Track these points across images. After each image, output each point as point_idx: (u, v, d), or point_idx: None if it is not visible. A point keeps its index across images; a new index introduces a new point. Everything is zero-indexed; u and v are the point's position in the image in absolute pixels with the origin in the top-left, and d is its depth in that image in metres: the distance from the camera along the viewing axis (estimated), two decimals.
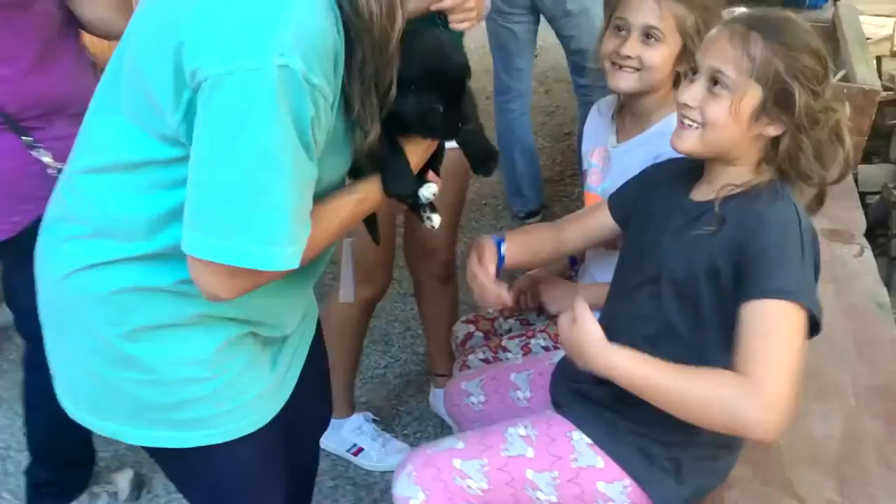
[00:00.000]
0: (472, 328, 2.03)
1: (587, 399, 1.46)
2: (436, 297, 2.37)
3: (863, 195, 3.06)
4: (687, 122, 1.33)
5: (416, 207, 1.37)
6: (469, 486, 1.43)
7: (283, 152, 1.01)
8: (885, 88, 3.12)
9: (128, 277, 1.16)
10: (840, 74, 3.12)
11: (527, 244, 1.66)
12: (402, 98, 1.16)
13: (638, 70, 1.65)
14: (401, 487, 1.45)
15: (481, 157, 1.36)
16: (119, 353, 1.20)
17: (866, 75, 2.91)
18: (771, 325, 1.21)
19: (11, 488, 2.28)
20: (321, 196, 1.16)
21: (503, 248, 1.59)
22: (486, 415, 1.70)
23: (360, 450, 2.37)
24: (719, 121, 1.29)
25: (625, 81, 1.68)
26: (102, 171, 1.16)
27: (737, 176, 1.33)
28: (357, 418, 2.40)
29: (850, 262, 2.24)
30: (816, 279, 1.30)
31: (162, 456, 1.33)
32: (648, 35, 1.63)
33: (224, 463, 1.33)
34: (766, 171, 1.33)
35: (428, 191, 1.31)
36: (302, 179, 1.06)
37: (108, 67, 1.17)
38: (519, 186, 3.47)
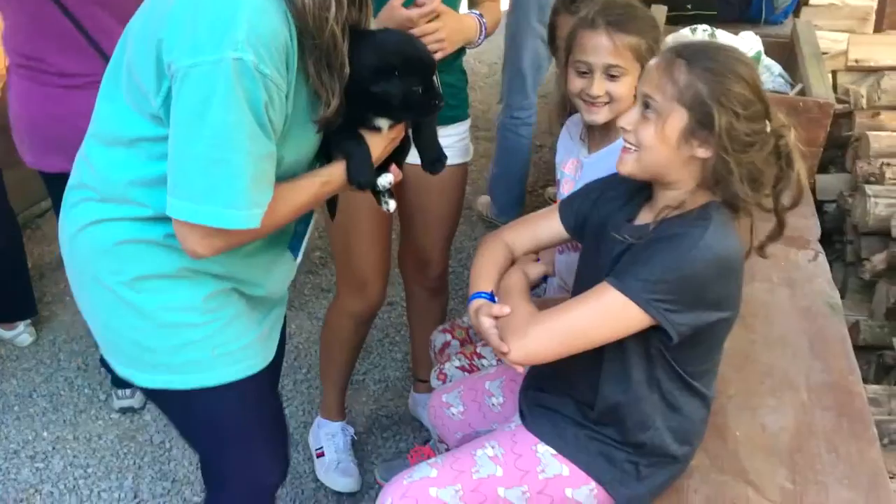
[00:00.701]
0: (448, 337, 2.13)
1: (550, 411, 1.53)
2: (426, 307, 2.43)
3: (820, 203, 3.20)
4: (626, 145, 1.41)
5: (376, 193, 1.59)
6: None
7: (239, 131, 1.21)
8: (840, 101, 3.27)
9: (126, 232, 1.37)
10: (797, 88, 3.26)
11: (497, 270, 1.62)
12: (386, 82, 1.38)
13: (608, 103, 1.75)
14: None
15: (432, 158, 1.57)
16: (122, 300, 1.40)
17: (821, 89, 3.04)
18: (587, 295, 1.36)
19: None
20: (291, 172, 1.38)
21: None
22: (465, 423, 1.79)
23: (322, 455, 2.41)
24: (649, 143, 1.36)
25: (599, 115, 1.77)
26: (107, 146, 1.37)
27: (674, 199, 1.39)
28: (336, 426, 2.44)
29: (805, 266, 2.35)
30: (708, 303, 1.34)
31: (163, 399, 1.52)
32: (611, 73, 1.72)
33: (218, 405, 1.50)
34: (704, 194, 1.38)
35: (385, 179, 1.52)
36: (258, 154, 1.25)
37: (112, 58, 1.37)
38: (515, 197, 3.64)
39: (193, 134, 1.22)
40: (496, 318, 1.44)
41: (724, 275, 1.35)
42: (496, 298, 1.53)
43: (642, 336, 1.36)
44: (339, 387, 2.42)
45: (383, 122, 1.45)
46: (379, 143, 1.46)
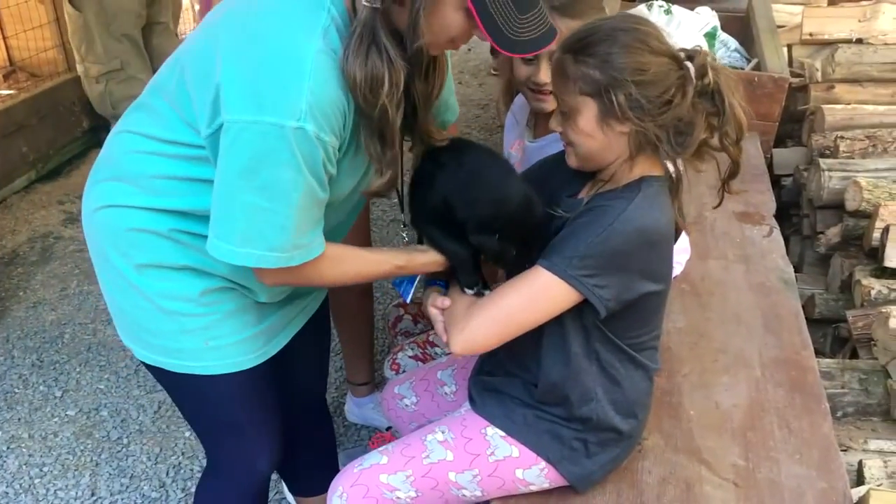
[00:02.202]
0: (401, 311, 2.17)
1: (498, 393, 1.53)
2: (354, 310, 2.41)
3: (778, 177, 3.22)
4: (565, 144, 1.43)
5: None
6: (399, 498, 1.49)
7: (294, 189, 1.24)
8: (796, 75, 3.28)
9: (138, 220, 1.41)
10: (753, 63, 3.28)
11: None
12: (484, 237, 1.40)
13: (553, 91, 1.73)
14: None
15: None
16: (127, 281, 1.45)
17: (776, 63, 3.05)
18: (519, 279, 1.37)
19: None
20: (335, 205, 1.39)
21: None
22: (419, 414, 1.78)
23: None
24: (576, 140, 1.38)
25: (546, 104, 1.76)
26: (143, 136, 1.40)
27: (607, 172, 1.40)
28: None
29: (759, 242, 2.36)
30: (633, 274, 1.35)
31: (159, 375, 1.57)
32: None
33: (208, 393, 1.55)
34: (643, 163, 1.38)
35: (471, 290, 1.48)
36: (309, 204, 1.29)
37: (169, 61, 1.40)
38: None
39: (244, 185, 1.24)
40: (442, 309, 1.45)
41: (646, 246, 1.35)
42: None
43: (577, 310, 1.37)
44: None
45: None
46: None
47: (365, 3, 1.22)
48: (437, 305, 1.46)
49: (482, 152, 1.52)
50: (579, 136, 1.37)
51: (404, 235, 1.63)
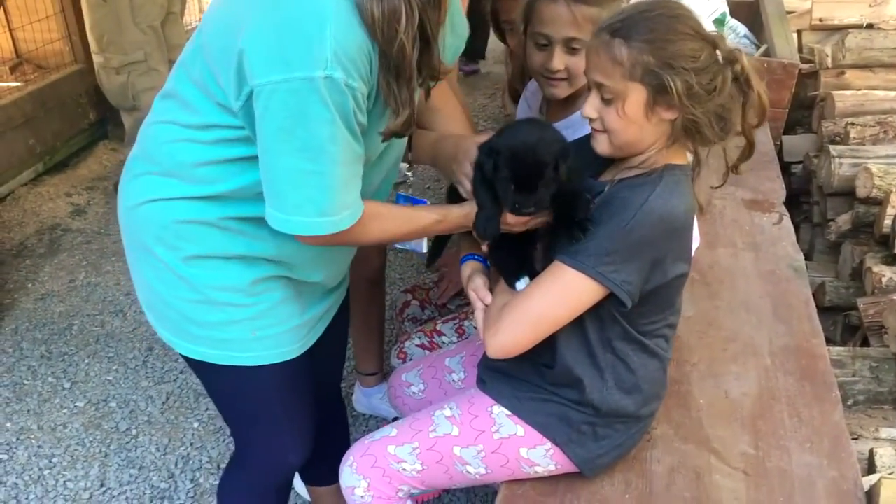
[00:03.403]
0: (409, 297, 2.18)
1: (506, 375, 1.53)
2: (365, 299, 2.39)
3: (788, 164, 3.20)
4: (595, 129, 1.40)
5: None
6: (405, 469, 1.52)
7: (332, 143, 1.24)
8: (805, 61, 3.25)
9: (186, 211, 1.41)
10: (762, 49, 3.25)
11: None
12: (485, 158, 1.39)
13: (566, 79, 1.71)
14: (345, 478, 1.56)
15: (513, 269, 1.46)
16: (175, 274, 1.44)
17: (785, 49, 3.03)
18: (545, 278, 1.37)
19: None
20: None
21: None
22: (426, 401, 1.78)
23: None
24: (616, 126, 1.36)
25: (559, 90, 1.74)
26: (176, 125, 1.39)
27: (639, 159, 1.39)
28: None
29: (769, 229, 2.34)
30: (655, 263, 1.35)
31: (201, 370, 1.57)
32: (571, 46, 1.67)
33: (249, 384, 1.56)
34: (673, 151, 1.39)
35: (521, 284, 1.42)
36: (349, 160, 1.29)
37: (188, 46, 1.39)
38: None
39: (284, 148, 1.24)
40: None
41: (669, 234, 1.36)
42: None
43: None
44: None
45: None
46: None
47: None
48: (480, 298, 1.46)
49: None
50: (621, 122, 1.35)
51: (409, 175, 1.62)
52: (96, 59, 3.51)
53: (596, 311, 1.39)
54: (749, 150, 1.44)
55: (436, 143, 1.63)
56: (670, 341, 1.52)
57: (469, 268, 1.54)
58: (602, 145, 1.41)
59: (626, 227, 1.31)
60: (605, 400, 1.45)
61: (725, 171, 1.47)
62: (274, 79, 1.20)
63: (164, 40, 3.56)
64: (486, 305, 1.46)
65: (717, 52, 1.35)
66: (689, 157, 1.43)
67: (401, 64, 1.27)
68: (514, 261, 1.46)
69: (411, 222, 1.48)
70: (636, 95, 1.33)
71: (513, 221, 1.43)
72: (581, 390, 1.44)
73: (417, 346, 1.94)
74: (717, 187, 1.52)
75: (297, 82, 1.19)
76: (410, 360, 1.93)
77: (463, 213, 1.47)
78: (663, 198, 1.33)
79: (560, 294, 1.36)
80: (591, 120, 1.40)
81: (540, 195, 1.37)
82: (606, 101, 1.36)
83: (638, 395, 1.47)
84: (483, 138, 1.50)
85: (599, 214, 1.35)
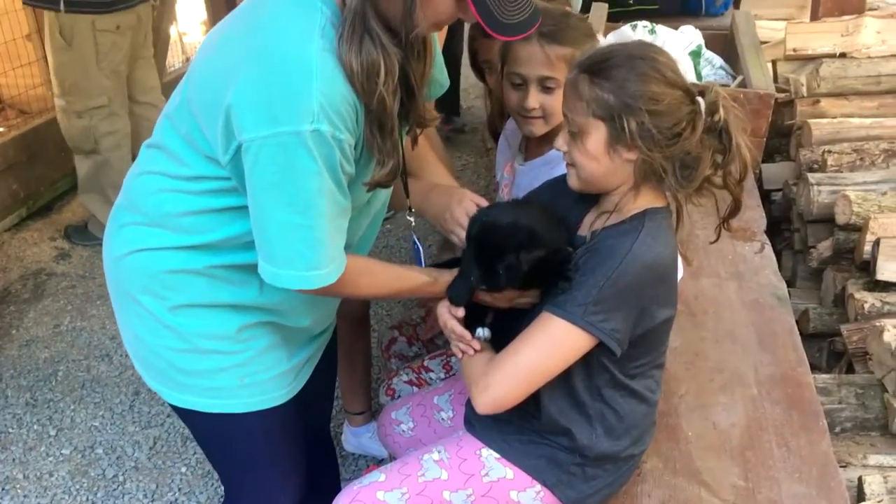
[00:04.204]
0: (396, 333, 2.15)
1: (494, 418, 1.50)
2: (350, 337, 2.36)
3: (767, 192, 3.23)
4: (566, 163, 1.43)
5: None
6: None
7: (320, 196, 1.25)
8: (781, 90, 3.30)
9: (172, 261, 1.41)
10: (738, 80, 3.29)
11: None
12: (468, 226, 1.43)
13: (541, 117, 1.74)
14: None
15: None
16: (161, 323, 1.45)
17: (761, 80, 3.06)
18: (533, 330, 1.36)
19: None
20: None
21: None
22: (416, 440, 1.77)
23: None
24: (581, 161, 1.38)
25: (535, 128, 1.77)
26: (164, 176, 1.40)
27: (611, 202, 1.40)
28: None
29: (751, 258, 2.36)
30: (643, 309, 1.35)
31: (189, 418, 1.57)
32: (545, 85, 1.70)
33: (239, 430, 1.56)
34: (647, 193, 1.39)
35: (482, 333, 1.46)
36: (336, 213, 1.31)
37: (174, 97, 1.41)
38: None
39: (274, 202, 1.26)
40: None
41: (655, 280, 1.36)
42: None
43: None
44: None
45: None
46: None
47: None
48: (468, 346, 1.44)
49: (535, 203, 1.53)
50: (585, 157, 1.37)
51: (411, 220, 1.64)
52: (58, 102, 3.52)
53: (585, 359, 1.38)
54: (735, 207, 1.43)
55: (428, 191, 1.64)
56: (659, 381, 1.52)
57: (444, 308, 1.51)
58: (572, 179, 1.43)
59: (613, 276, 1.31)
60: (595, 446, 1.45)
61: (717, 226, 1.48)
62: (262, 133, 1.21)
63: (125, 86, 3.57)
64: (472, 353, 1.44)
65: (697, 99, 1.35)
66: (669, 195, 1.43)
67: (382, 115, 1.29)
68: (478, 308, 1.47)
69: (402, 281, 1.50)
70: (597, 133, 1.35)
71: (487, 298, 1.45)
72: (571, 437, 1.44)
73: (405, 382, 1.94)
74: (713, 242, 1.53)
75: (285, 136, 1.20)
76: (399, 397, 1.93)
77: (454, 279, 1.48)
78: (647, 244, 1.33)
79: (549, 345, 1.35)
80: (563, 154, 1.42)
81: (501, 278, 1.38)
82: (573, 136, 1.38)
83: (627, 438, 1.47)
84: (471, 194, 1.53)
85: (585, 263, 1.35)
